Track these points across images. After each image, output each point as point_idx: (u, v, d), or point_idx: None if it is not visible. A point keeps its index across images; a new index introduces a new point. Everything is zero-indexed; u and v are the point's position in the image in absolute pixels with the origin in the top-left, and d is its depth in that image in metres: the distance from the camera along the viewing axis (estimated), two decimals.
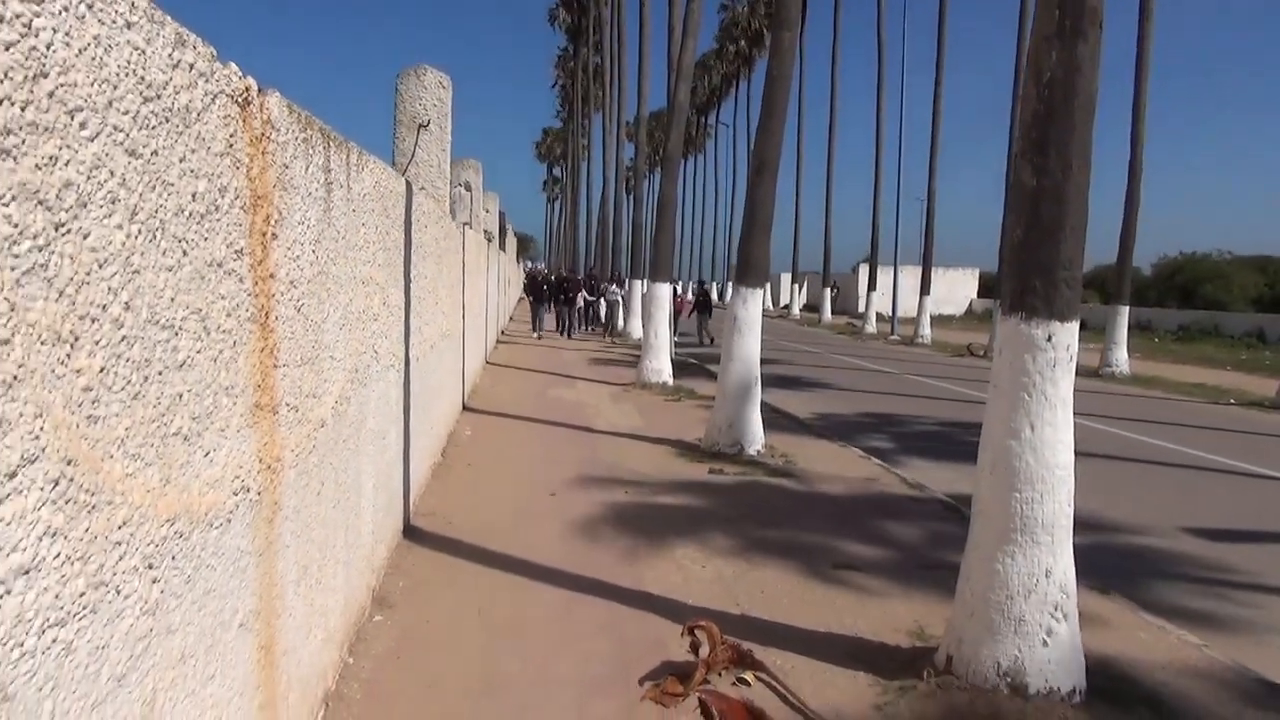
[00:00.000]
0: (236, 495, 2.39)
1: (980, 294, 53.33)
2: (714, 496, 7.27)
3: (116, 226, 1.69)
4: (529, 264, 44.24)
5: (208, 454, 2.18)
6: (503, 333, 23.66)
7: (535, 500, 6.90)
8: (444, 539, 5.80)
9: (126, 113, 1.72)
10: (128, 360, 1.75)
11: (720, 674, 3.93)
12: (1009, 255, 3.70)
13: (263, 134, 2.57)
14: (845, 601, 4.96)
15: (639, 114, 25.26)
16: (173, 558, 1.96)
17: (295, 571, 3.03)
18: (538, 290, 26.07)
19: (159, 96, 1.86)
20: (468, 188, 13.09)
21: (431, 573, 5.17)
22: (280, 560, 2.83)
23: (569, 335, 24.44)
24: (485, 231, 15.83)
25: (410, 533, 5.83)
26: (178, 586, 1.99)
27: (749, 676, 3.93)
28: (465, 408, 11.00)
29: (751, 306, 8.87)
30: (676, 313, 25.94)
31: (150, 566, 1.85)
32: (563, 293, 25.67)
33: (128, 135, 1.73)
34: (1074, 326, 3.63)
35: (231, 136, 2.32)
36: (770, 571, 5.41)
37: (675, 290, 28.03)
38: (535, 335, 24.19)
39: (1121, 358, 20.00)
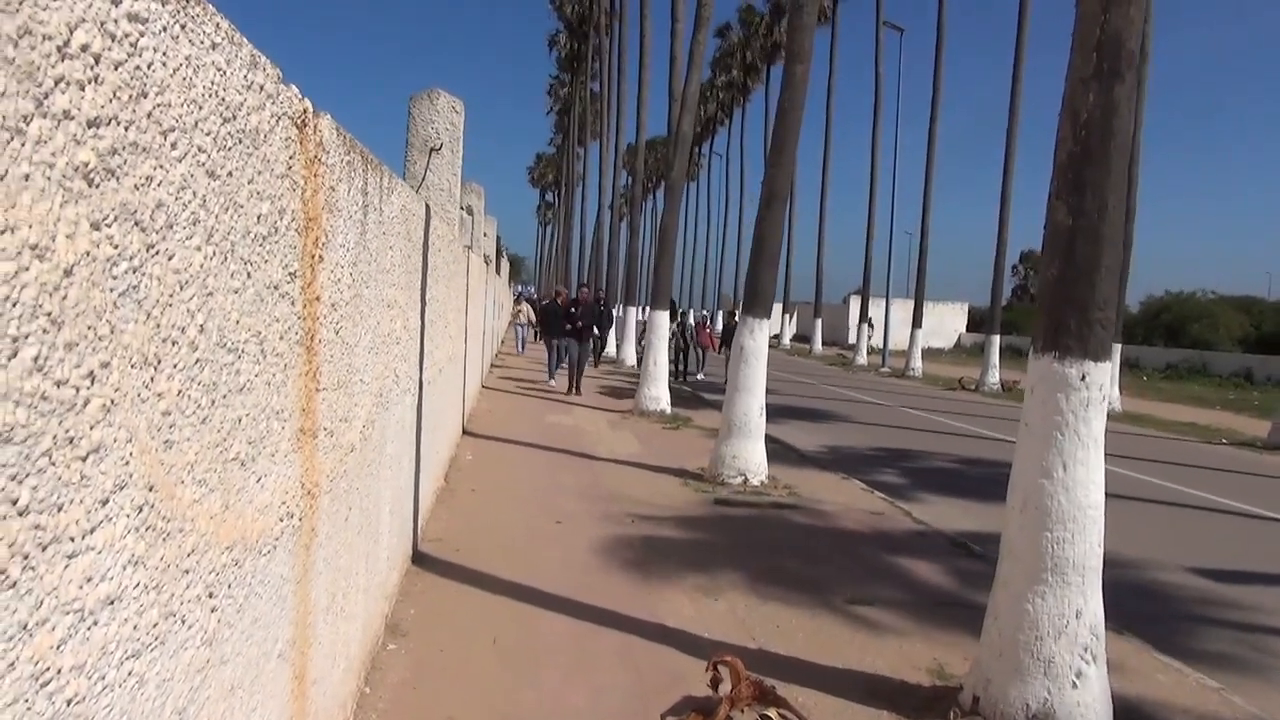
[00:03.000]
0: (282, 521, 2.35)
1: (969, 328, 53.67)
2: (720, 527, 7.23)
3: (196, 248, 1.67)
4: (519, 289, 44.11)
5: (260, 480, 2.14)
6: (496, 355, 23.60)
7: (541, 527, 6.84)
8: (453, 565, 5.73)
9: (209, 134, 1.70)
10: (199, 384, 1.71)
11: (743, 710, 3.87)
12: (1042, 294, 3.72)
13: (316, 156, 2.55)
14: (861, 637, 4.92)
15: (637, 141, 25.45)
16: (229, 586, 1.92)
17: (325, 599, 2.98)
18: (556, 320, 17.10)
19: (235, 118, 1.84)
20: (470, 211, 13.10)
21: (442, 600, 5.10)
22: (314, 588, 2.78)
23: (577, 389, 16.33)
24: (484, 255, 15.85)
25: (419, 559, 5.76)
26: (231, 616, 1.95)
27: (773, 714, 3.87)
28: (465, 431, 10.94)
29: (759, 336, 8.87)
30: (703, 347, 22.99)
31: (210, 595, 1.81)
32: (570, 323, 16.63)
33: (209, 156, 1.71)
34: (1108, 366, 3.64)
35: (291, 158, 2.30)
36: (783, 605, 5.36)
37: (701, 319, 25.60)
38: (550, 382, 17.27)
39: (1114, 395, 20.11)
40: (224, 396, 1.86)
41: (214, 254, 1.76)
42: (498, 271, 24.51)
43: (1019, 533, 3.73)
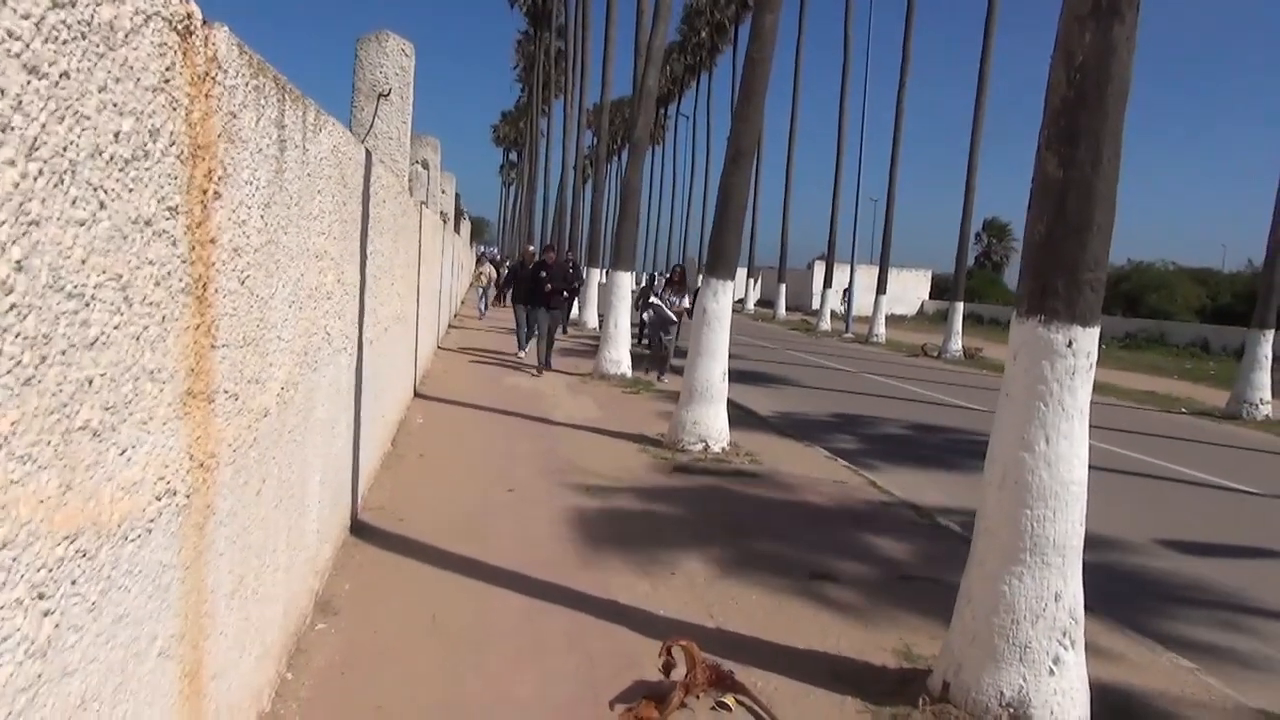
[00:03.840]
0: (160, 500, 2.00)
1: (932, 295, 53.86)
2: (680, 497, 6.96)
3: (7, 162, 1.31)
4: (481, 249, 43.30)
5: (124, 452, 1.79)
6: (455, 316, 23.12)
7: (492, 496, 6.52)
8: (395, 537, 5.40)
9: (27, 17, 1.33)
10: (18, 336, 1.36)
11: (699, 696, 3.62)
12: (1029, 254, 3.43)
13: (207, 73, 2.18)
14: (825, 615, 4.68)
15: (602, 100, 24.86)
16: (72, 582, 1.58)
17: (229, 583, 2.64)
18: (525, 283, 14.74)
19: (73, 4, 1.47)
20: (425, 165, 12.61)
21: (381, 575, 4.78)
22: (211, 572, 2.44)
23: (547, 364, 14.19)
24: (441, 212, 15.33)
25: (358, 529, 5.42)
26: (78, 617, 1.61)
27: (729, 700, 3.62)
28: (417, 394, 10.56)
29: (722, 299, 8.56)
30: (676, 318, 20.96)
31: (41, 597, 1.46)
32: (538, 287, 14.13)
33: (26, 46, 1.34)
34: (1095, 332, 3.37)
35: (168, 70, 1.92)
36: (743, 580, 5.11)
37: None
38: (521, 354, 14.99)
39: None
40: (62, 353, 1.51)
41: (39, 173, 1.40)
42: (457, 230, 23.93)
43: (996, 509, 3.48)
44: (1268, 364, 15.78)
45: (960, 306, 26.13)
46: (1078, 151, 3.23)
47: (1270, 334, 15.73)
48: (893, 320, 35.71)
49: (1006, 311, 46.26)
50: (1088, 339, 3.35)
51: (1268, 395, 15.82)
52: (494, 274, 26.11)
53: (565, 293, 15.16)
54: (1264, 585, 6.14)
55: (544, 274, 14.10)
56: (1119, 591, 5.72)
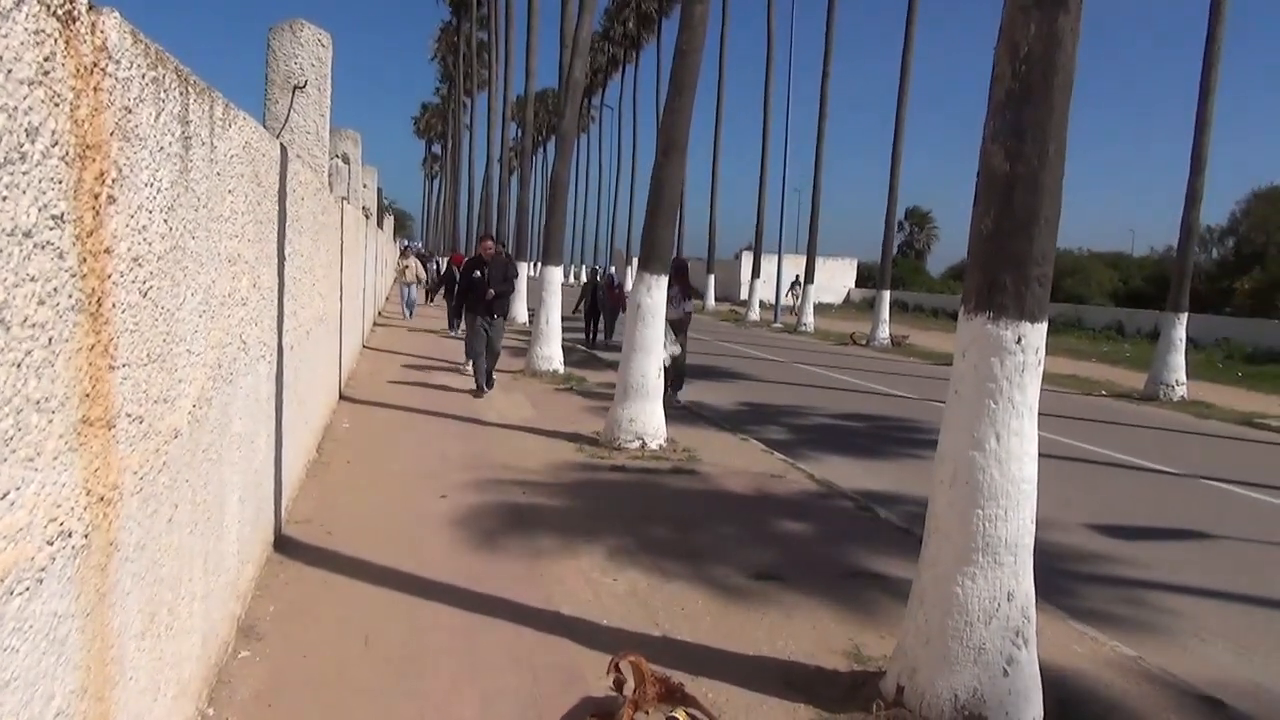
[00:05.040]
0: (52, 544, 1.79)
1: (858, 283, 54.67)
2: (619, 498, 6.82)
3: None
4: (405, 243, 42.35)
5: (5, 495, 1.58)
6: (380, 314, 22.58)
7: (425, 503, 6.29)
8: (322, 551, 5.15)
9: None
10: None
11: (648, 712, 3.49)
12: (975, 249, 3.37)
13: (95, 63, 1.95)
14: (771, 618, 4.59)
15: (526, 91, 24.48)
16: None
17: (139, 622, 2.42)
18: (479, 287, 11.36)
19: None
20: (346, 160, 12.23)
21: (308, 593, 4.54)
22: (118, 614, 2.22)
23: (489, 383, 11.52)
24: (364, 208, 14.91)
25: (282, 545, 5.16)
26: None
27: (680, 715, 3.50)
28: (343, 396, 10.21)
29: (656, 294, 8.44)
30: (613, 310, 18.81)
31: None
32: (479, 291, 11.31)
33: None
34: (1043, 328, 3.33)
35: (46, 60, 1.70)
36: (687, 584, 5.00)
37: (609, 278, 20.33)
38: (466, 367, 12.33)
39: None
40: None
41: None
42: (380, 226, 23.38)
43: (947, 509, 3.42)
44: (1182, 346, 16.32)
45: (887, 295, 26.49)
46: (1024, 145, 3.17)
47: (1184, 317, 16.26)
48: (820, 309, 36.04)
49: (931, 299, 46.99)
50: (1036, 335, 3.31)
51: (1183, 376, 16.36)
52: (419, 268, 24.13)
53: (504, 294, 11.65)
54: (1189, 564, 6.28)
55: (481, 272, 11.18)
56: (1054, 577, 5.77)
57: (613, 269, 36.40)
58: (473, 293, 11.32)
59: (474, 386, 11.43)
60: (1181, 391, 16.23)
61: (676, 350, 10.90)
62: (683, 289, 11.63)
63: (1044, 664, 3.72)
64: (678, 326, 11.04)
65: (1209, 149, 15.80)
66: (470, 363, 11.78)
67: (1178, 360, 16.33)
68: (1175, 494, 8.78)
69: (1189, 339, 16.70)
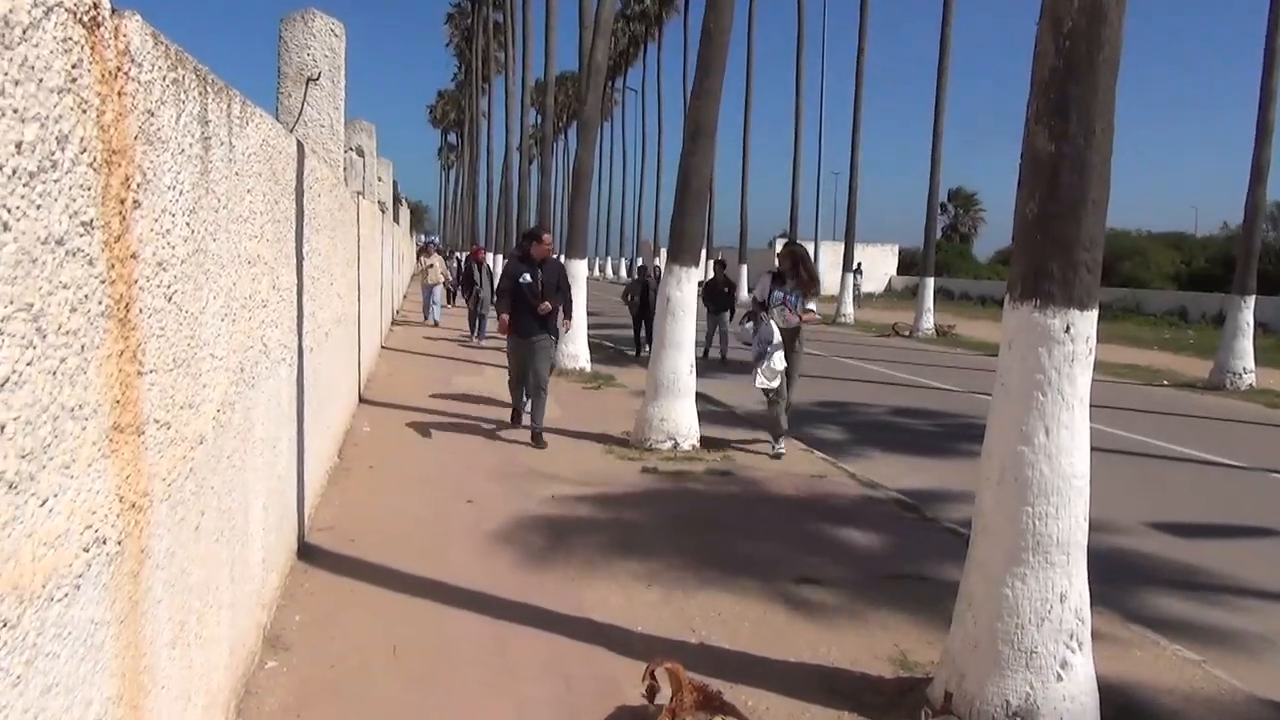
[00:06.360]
0: (89, 551, 1.89)
1: (900, 270, 54.37)
2: (650, 501, 6.90)
3: None
4: (424, 239, 42.64)
5: (45, 503, 1.68)
6: (397, 313, 22.81)
7: (450, 508, 6.41)
8: (346, 559, 5.28)
9: None
10: None
11: None
12: (1020, 234, 3.41)
13: (119, 68, 2.05)
14: (814, 623, 4.65)
15: (546, 75, 24.55)
16: None
17: (170, 631, 2.52)
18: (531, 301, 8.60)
19: None
20: (360, 153, 12.38)
21: (333, 602, 4.66)
22: (150, 622, 2.32)
23: (540, 442, 8.65)
24: (379, 202, 15.09)
25: (306, 552, 5.29)
26: (2, 695, 1.50)
27: None
28: (363, 399, 10.37)
29: (686, 287, 8.51)
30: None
31: None
32: (520, 298, 8.64)
33: None
34: (1093, 315, 3.36)
35: (74, 68, 1.80)
36: (724, 590, 5.06)
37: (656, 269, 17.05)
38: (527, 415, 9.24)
39: None
40: None
41: None
42: (396, 220, 23.58)
43: (996, 507, 3.46)
44: (1250, 331, 16.10)
45: (930, 282, 26.33)
46: (1069, 124, 3.20)
47: (1251, 300, 16.05)
48: (860, 298, 35.93)
49: (977, 286, 46.51)
50: (1086, 323, 3.33)
51: (1251, 364, 16.14)
52: (443, 267, 22.82)
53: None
54: (1259, 565, 6.25)
55: (531, 278, 8.56)
56: (1115, 578, 5.77)
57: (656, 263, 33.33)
58: (519, 304, 8.56)
59: (512, 420, 9.35)
60: (1249, 379, 16.01)
61: (781, 369, 8.19)
62: (799, 284, 8.31)
63: (1100, 670, 3.75)
64: (788, 339, 8.29)
65: (1276, 118, 15.55)
66: (516, 400, 9.33)
67: (1245, 346, 16.11)
68: (1243, 489, 8.71)
69: (1258, 323, 16.47)
